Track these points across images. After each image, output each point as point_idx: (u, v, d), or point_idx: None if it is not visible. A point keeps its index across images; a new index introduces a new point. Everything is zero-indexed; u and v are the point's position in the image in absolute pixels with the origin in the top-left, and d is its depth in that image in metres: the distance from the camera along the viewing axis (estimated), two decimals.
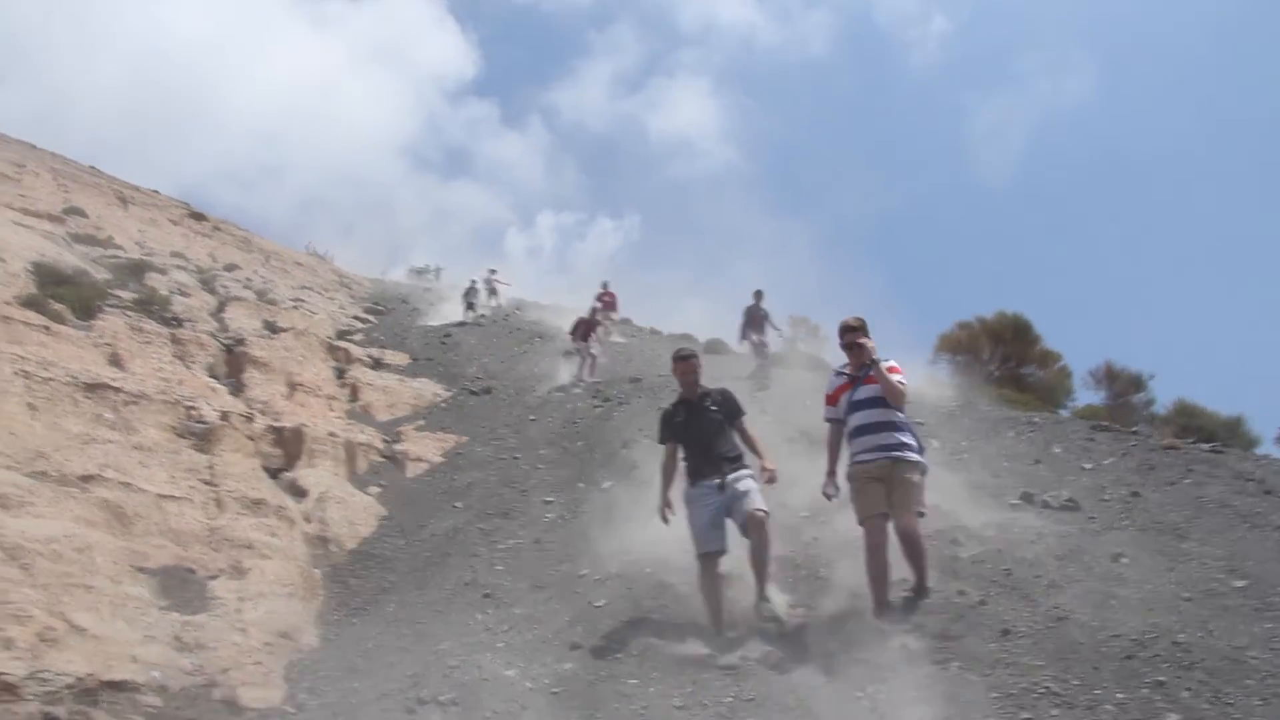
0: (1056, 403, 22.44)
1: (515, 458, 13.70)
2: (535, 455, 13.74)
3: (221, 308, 18.68)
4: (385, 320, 26.11)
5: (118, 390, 10.40)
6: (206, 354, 14.53)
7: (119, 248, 21.18)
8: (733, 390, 7.52)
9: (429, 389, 17.86)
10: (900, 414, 6.67)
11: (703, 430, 7.06)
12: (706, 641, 6.57)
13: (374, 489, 12.21)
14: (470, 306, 27.57)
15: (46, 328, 11.57)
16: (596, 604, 7.75)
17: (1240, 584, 6.85)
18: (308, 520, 10.35)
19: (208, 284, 20.82)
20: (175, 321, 15.46)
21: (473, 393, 17.76)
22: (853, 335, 6.76)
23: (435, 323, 27.13)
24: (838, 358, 7.52)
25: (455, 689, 6.49)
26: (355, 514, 10.95)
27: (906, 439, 6.61)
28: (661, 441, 7.36)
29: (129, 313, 14.28)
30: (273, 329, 18.04)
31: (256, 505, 9.70)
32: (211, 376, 13.86)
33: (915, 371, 21.72)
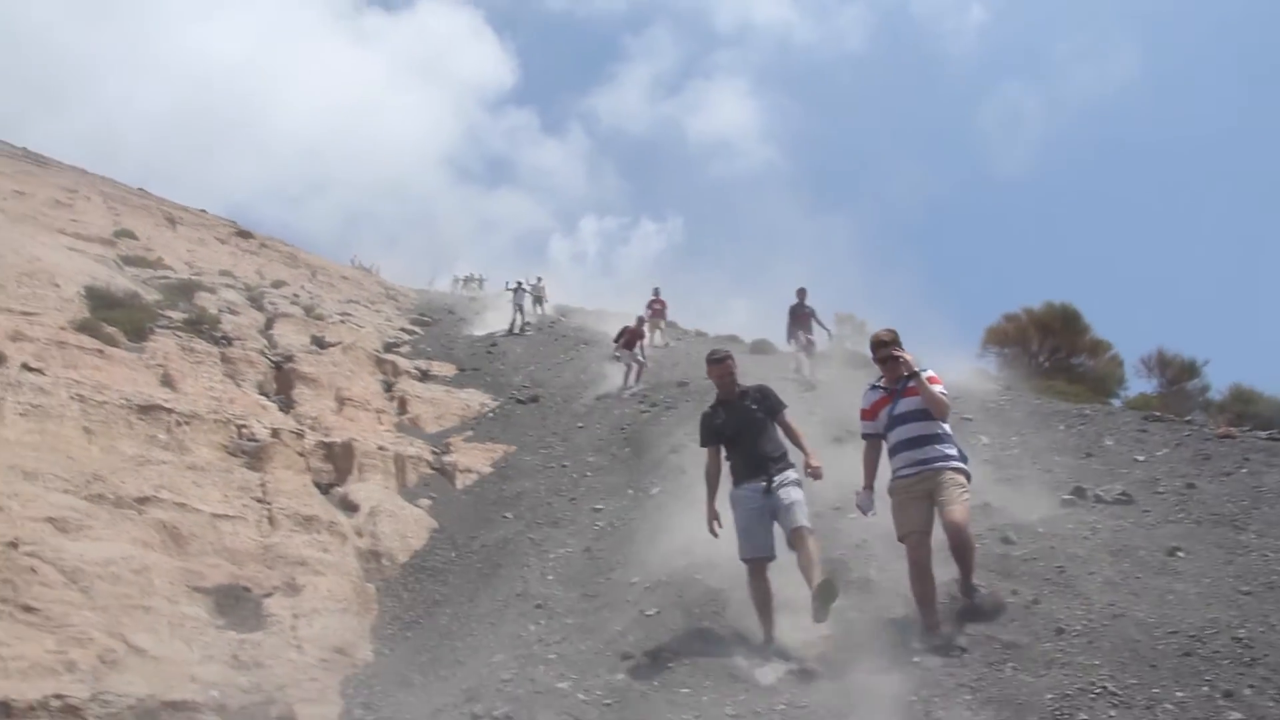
0: (1109, 392, 22.06)
1: (564, 466, 13.72)
2: (583, 463, 13.76)
3: (270, 324, 18.93)
4: (432, 331, 26.29)
5: (170, 411, 10.57)
6: (256, 371, 14.72)
7: (169, 268, 21.54)
8: (773, 387, 7.31)
9: (476, 399, 17.96)
10: (943, 426, 6.43)
11: (744, 430, 6.90)
12: (759, 648, 6.51)
13: (424, 501, 12.28)
14: (518, 308, 27.57)
15: (100, 351, 11.78)
16: (648, 613, 7.71)
17: None
18: (359, 535, 10.43)
19: (256, 301, 21.10)
20: (225, 340, 15.67)
21: (520, 401, 17.83)
22: (886, 349, 6.57)
23: (480, 332, 27.26)
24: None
25: (509, 703, 6.49)
26: (406, 527, 11.02)
27: (950, 450, 6.36)
28: (704, 445, 7.19)
29: (179, 333, 14.51)
30: (321, 344, 18.25)
31: (309, 521, 9.80)
32: (261, 394, 14.05)
33: (962, 366, 21.58)
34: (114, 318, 13.73)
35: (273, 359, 15.87)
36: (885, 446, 6.57)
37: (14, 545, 7.17)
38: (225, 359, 14.55)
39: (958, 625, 6.18)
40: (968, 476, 6.35)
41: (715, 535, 6.85)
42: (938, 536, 6.23)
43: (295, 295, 24.18)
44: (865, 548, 8.14)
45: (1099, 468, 9.97)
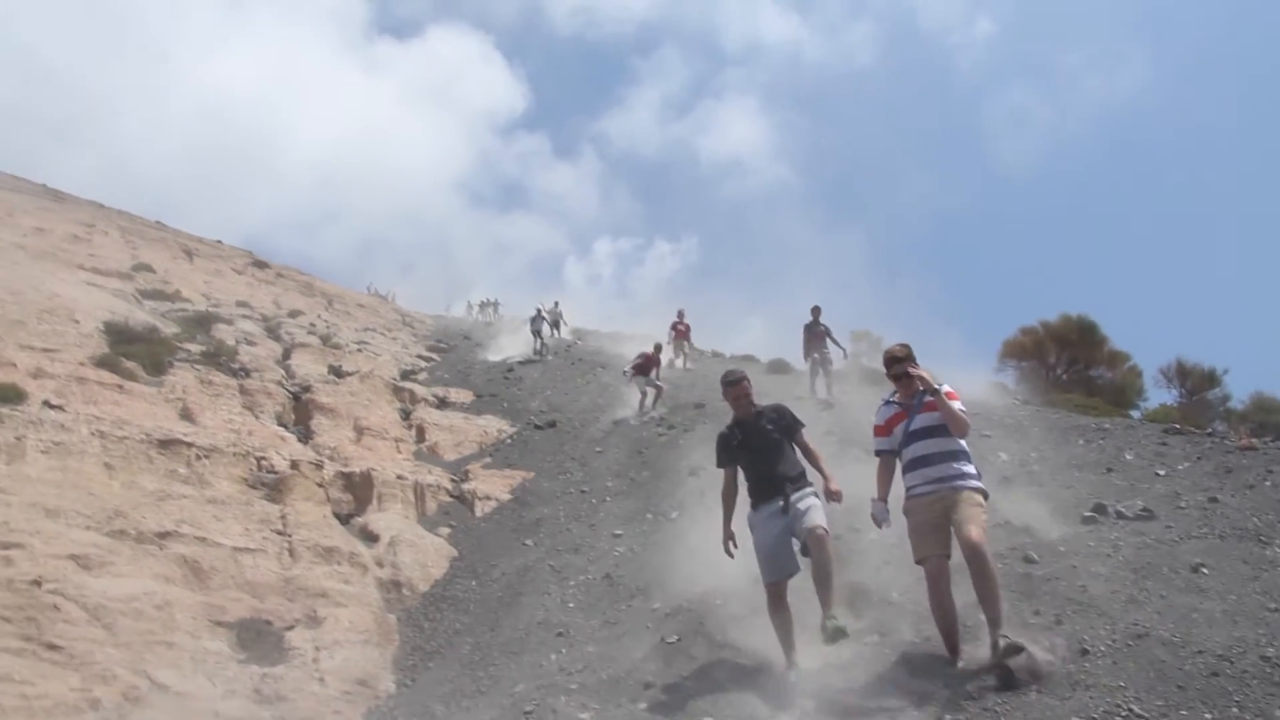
0: (1128, 404, 21.97)
1: (583, 491, 13.72)
2: (602, 488, 13.76)
3: (287, 355, 19.01)
4: (448, 357, 26.36)
5: (190, 445, 10.61)
6: (274, 403, 14.78)
7: (186, 300, 21.68)
8: (790, 406, 7.22)
9: (494, 425, 17.98)
10: (960, 443, 6.27)
11: (761, 451, 6.82)
12: (781, 675, 6.46)
13: (444, 530, 12.29)
14: (537, 334, 27.53)
15: (120, 386, 11.86)
16: (669, 640, 7.69)
17: None
18: (380, 565, 10.44)
19: (273, 331, 21.21)
20: (243, 372, 15.75)
21: (537, 427, 17.84)
22: (900, 365, 6.45)
23: (496, 357, 27.29)
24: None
25: None
26: (427, 556, 11.03)
27: (967, 468, 6.21)
28: (720, 466, 7.15)
29: (198, 366, 14.59)
30: (338, 373, 18.32)
31: (329, 553, 9.81)
32: (280, 425, 14.10)
33: (979, 380, 21.50)
34: (133, 352, 13.82)
35: (290, 389, 15.93)
36: (899, 463, 6.45)
37: (37, 583, 7.21)
38: (243, 391, 14.61)
39: (984, 664, 6.04)
40: (985, 496, 6.20)
41: (731, 555, 6.80)
42: (957, 558, 6.05)
43: (312, 324, 24.30)
44: (886, 569, 8.11)
45: (1120, 483, 9.90)
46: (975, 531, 5.86)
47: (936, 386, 6.22)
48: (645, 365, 19.05)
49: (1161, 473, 9.97)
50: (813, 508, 6.51)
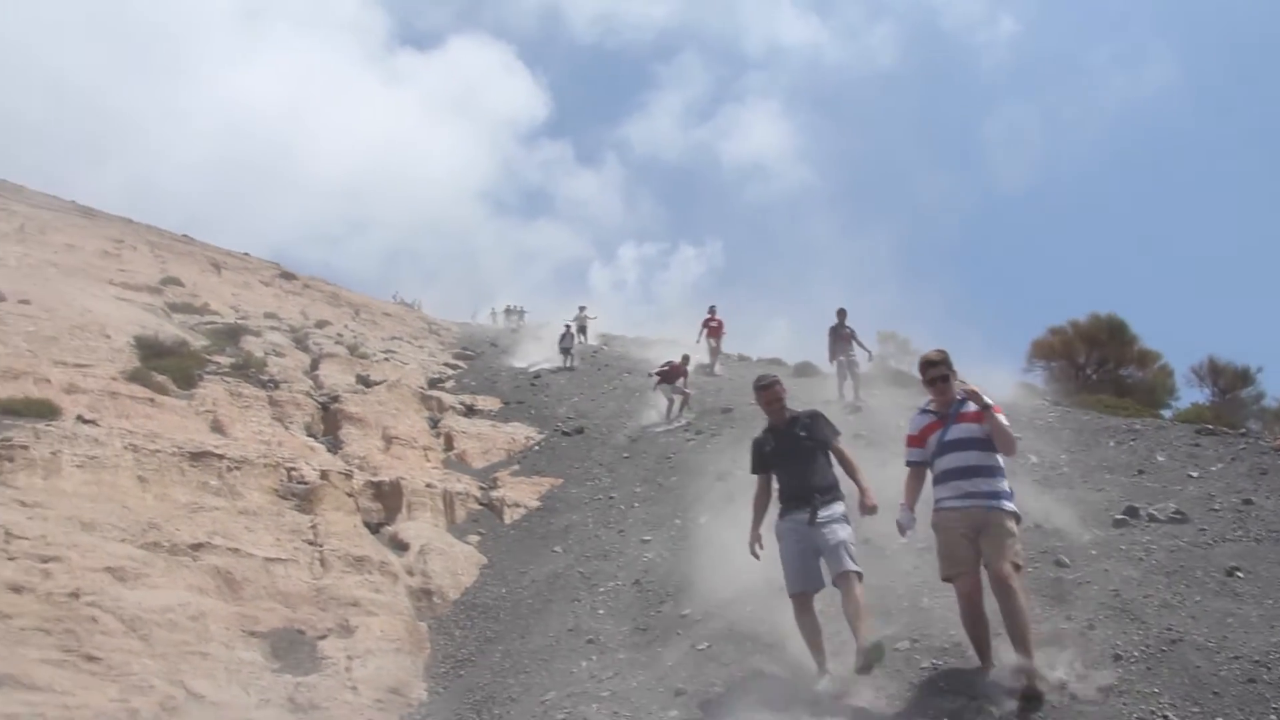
0: (1159, 403, 21.77)
1: (611, 497, 13.75)
2: (630, 493, 13.79)
3: (315, 365, 19.15)
4: (475, 365, 26.45)
5: (221, 457, 10.72)
6: (303, 413, 14.91)
7: (215, 313, 21.89)
8: (825, 413, 7.10)
9: (521, 432, 18.05)
10: (997, 458, 6.00)
11: (793, 458, 6.68)
12: (811, 681, 6.43)
13: (473, 537, 12.36)
14: (566, 352, 27.28)
15: (151, 400, 12.00)
16: (700, 646, 7.70)
17: None
18: (410, 573, 10.51)
19: (300, 342, 21.38)
20: (272, 383, 15.89)
21: (565, 433, 17.90)
22: (936, 370, 6.18)
23: (520, 363, 27.34)
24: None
25: None
26: (457, 564, 11.08)
27: (1001, 486, 5.92)
28: (753, 472, 7.03)
29: (227, 378, 14.73)
30: (366, 383, 18.44)
31: (360, 562, 9.88)
32: (309, 435, 14.22)
33: (1008, 381, 21.35)
34: (163, 366, 13.98)
35: (319, 400, 16.06)
36: (930, 474, 6.20)
37: (75, 595, 7.30)
38: (273, 402, 14.74)
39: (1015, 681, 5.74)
40: (1018, 519, 5.93)
41: (756, 557, 6.73)
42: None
43: (339, 334, 24.47)
44: (916, 573, 8.08)
45: (1151, 485, 9.82)
46: (1006, 567, 5.63)
47: (989, 402, 5.99)
48: (671, 374, 19.05)
49: (1194, 474, 9.89)
50: (842, 543, 6.33)
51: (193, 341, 17.12)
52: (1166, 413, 19.71)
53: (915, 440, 6.30)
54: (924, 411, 6.33)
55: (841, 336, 17.83)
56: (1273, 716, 5.00)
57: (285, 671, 7.82)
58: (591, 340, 32.54)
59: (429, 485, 13.10)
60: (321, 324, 25.66)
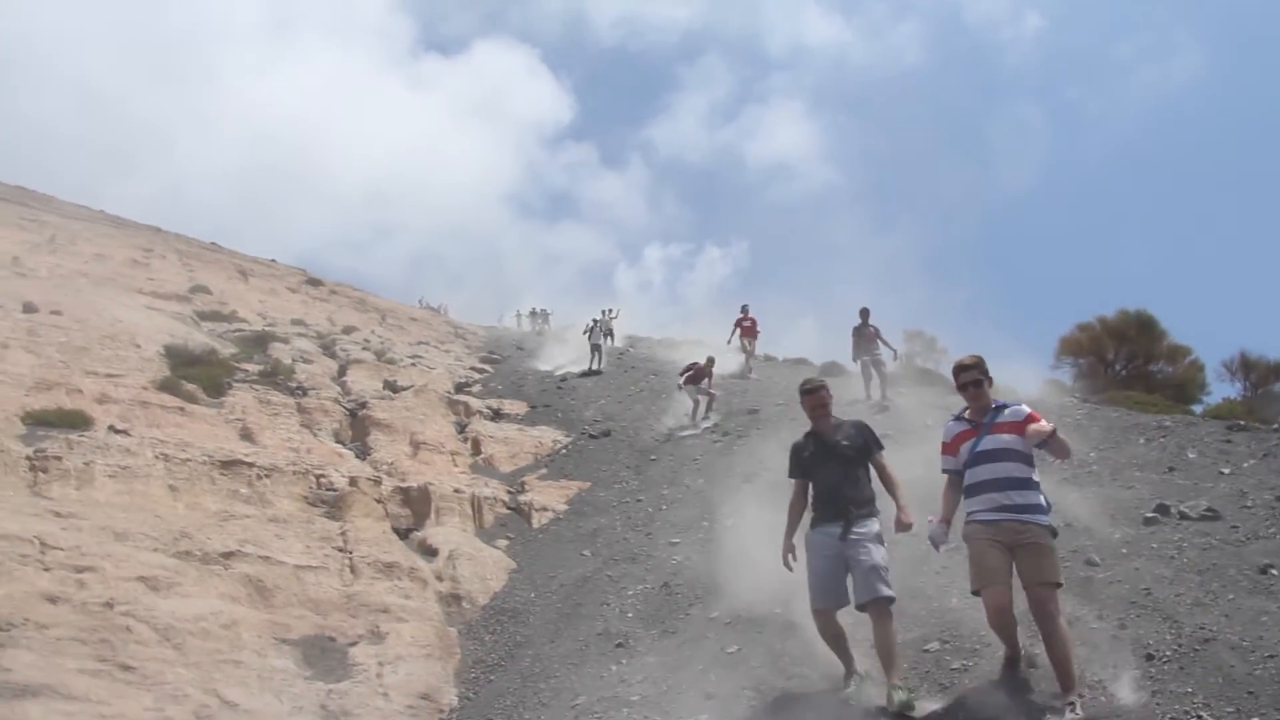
0: (1190, 399, 21.59)
1: (638, 500, 13.76)
2: (658, 496, 13.79)
3: (343, 371, 19.28)
4: (501, 369, 26.52)
5: (251, 465, 10.81)
6: (331, 420, 15.01)
7: (243, 320, 22.08)
8: (868, 423, 6.85)
9: (549, 436, 18.08)
10: (1033, 471, 5.77)
11: (831, 467, 6.46)
12: (840, 686, 6.40)
13: (502, 542, 12.39)
14: (596, 348, 26.91)
15: (181, 409, 12.12)
16: (729, 650, 7.71)
17: None
18: (440, 579, 10.55)
19: (328, 349, 21.52)
20: (300, 391, 16.01)
21: (592, 436, 17.92)
22: (968, 375, 6.01)
23: (545, 366, 27.37)
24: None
25: None
26: (485, 569, 11.12)
27: (1038, 499, 5.70)
28: (790, 477, 6.83)
29: (256, 386, 14.86)
30: (393, 388, 18.54)
31: (389, 568, 9.93)
32: (338, 442, 14.31)
33: (1036, 377, 21.21)
34: (193, 375, 14.11)
35: (347, 406, 16.17)
36: (963, 485, 5.99)
37: (110, 605, 7.38)
38: (301, 409, 14.86)
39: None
40: (1054, 534, 5.74)
41: (789, 569, 6.56)
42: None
43: (366, 340, 24.62)
44: (945, 573, 8.06)
45: (1182, 482, 9.74)
46: (1045, 591, 5.45)
47: (1052, 429, 5.65)
48: (696, 375, 19.04)
49: (1226, 471, 9.79)
50: (875, 566, 6.10)
51: (221, 349, 17.27)
52: (1197, 408, 19.55)
53: (949, 448, 6.13)
54: (958, 419, 6.15)
55: (865, 336, 17.76)
56: None
57: (317, 679, 7.87)
58: (617, 342, 32.45)
59: (457, 490, 13.15)
60: (348, 330, 25.83)
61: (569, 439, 17.98)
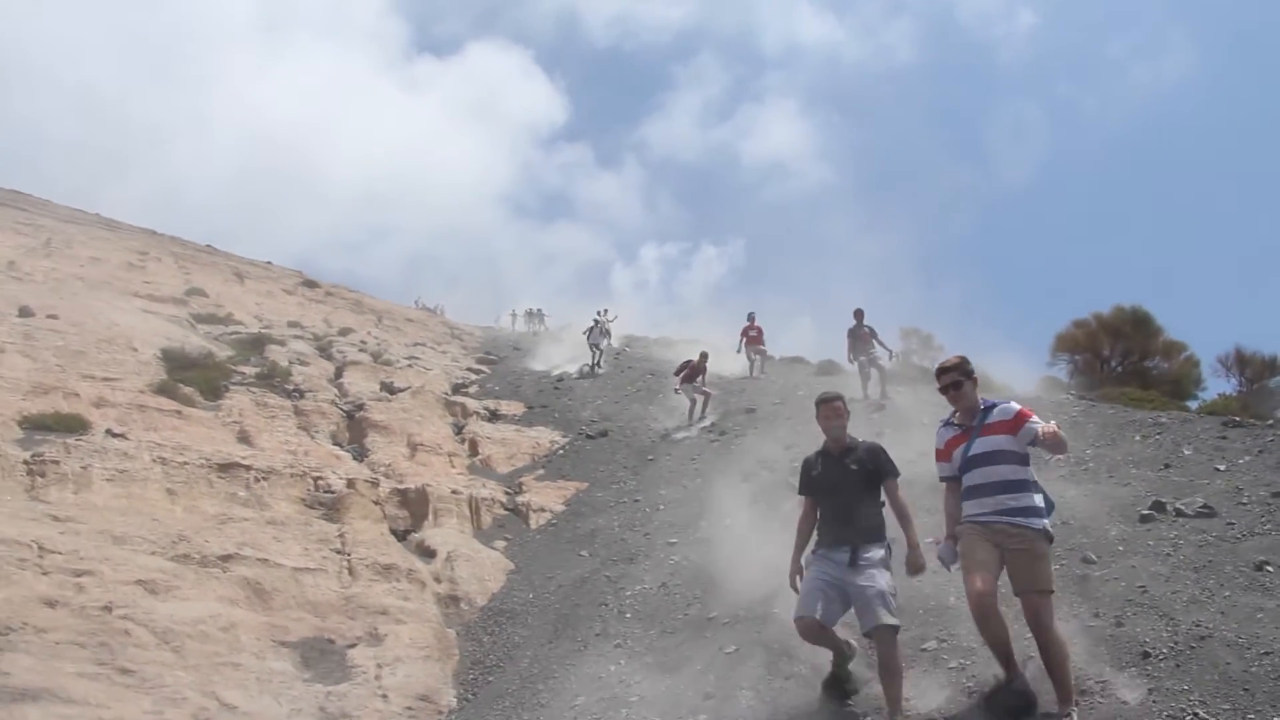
0: (1186, 395, 21.66)
1: (636, 500, 13.77)
2: (655, 496, 13.80)
3: (339, 373, 19.28)
4: (498, 369, 26.52)
5: (248, 468, 10.82)
6: (329, 422, 15.00)
7: (239, 323, 22.07)
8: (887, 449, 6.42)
9: (546, 436, 18.08)
10: (1027, 471, 5.57)
11: (840, 491, 6.13)
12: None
13: (500, 543, 12.40)
14: (595, 347, 26.83)
15: (178, 412, 12.12)
16: (727, 650, 7.71)
17: None
18: (438, 580, 10.55)
19: (324, 350, 21.51)
20: (297, 393, 16.01)
21: (589, 437, 17.92)
22: (947, 377, 5.82)
23: (541, 366, 27.35)
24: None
25: None
26: (484, 570, 11.12)
27: (1034, 501, 5.49)
28: (800, 494, 6.53)
29: (253, 389, 14.86)
30: (390, 390, 18.54)
31: (387, 570, 9.93)
32: (335, 444, 14.31)
33: (1032, 374, 21.23)
34: (190, 378, 14.10)
35: (344, 408, 16.17)
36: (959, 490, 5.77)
37: (108, 609, 7.38)
38: (298, 411, 14.85)
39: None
40: (1050, 538, 5.51)
41: (797, 590, 6.18)
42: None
43: (363, 342, 24.61)
44: (943, 572, 8.04)
45: (1178, 479, 9.76)
46: (1038, 599, 5.27)
47: (1055, 430, 5.38)
48: (691, 374, 19.05)
49: (1222, 468, 9.81)
50: (881, 594, 5.80)
51: (218, 352, 17.26)
52: (1193, 404, 19.61)
53: (942, 454, 5.89)
54: (947, 424, 5.93)
55: (860, 337, 17.83)
56: None
57: (316, 681, 7.87)
58: (614, 342, 32.36)
59: (454, 491, 13.16)
60: (345, 331, 25.82)
61: (566, 439, 17.98)
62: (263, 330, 21.80)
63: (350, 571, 9.73)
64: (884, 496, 6.17)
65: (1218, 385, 22.42)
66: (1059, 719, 5.18)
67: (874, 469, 6.15)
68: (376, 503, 11.68)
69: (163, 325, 18.01)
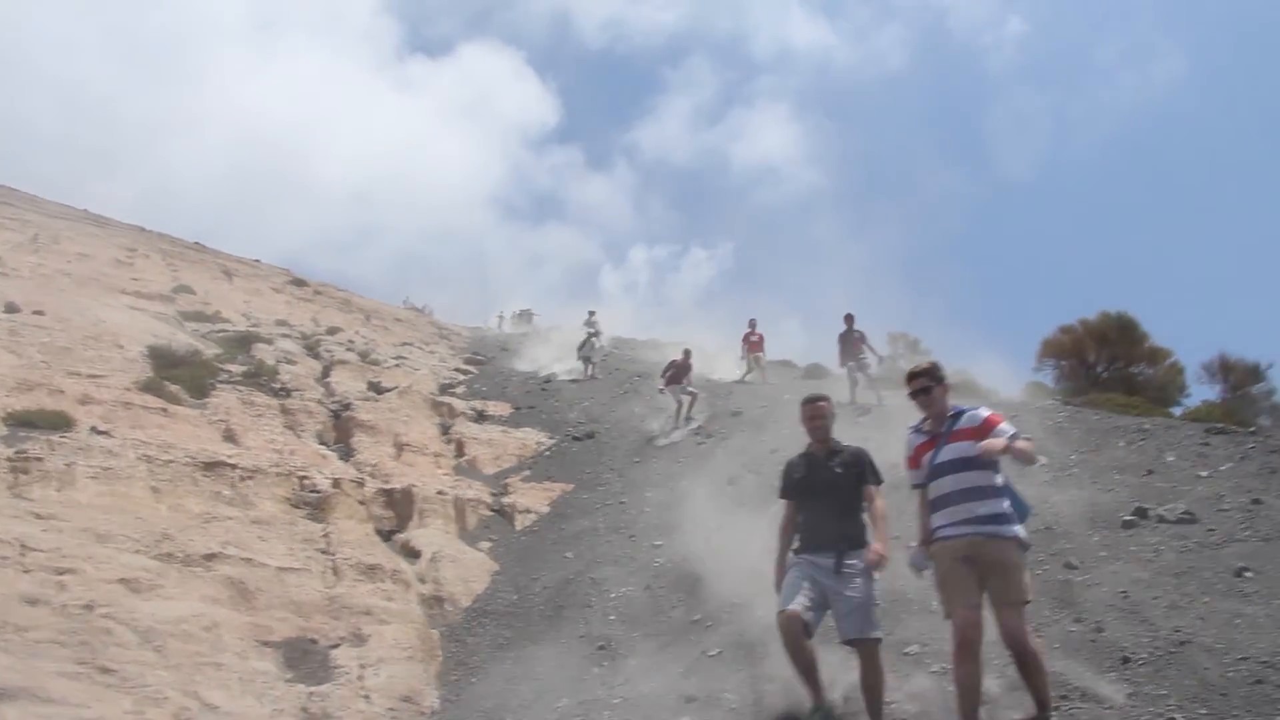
0: (1170, 401, 21.76)
1: (621, 502, 13.77)
2: (641, 498, 13.81)
3: (327, 372, 19.19)
4: (485, 370, 26.44)
5: (234, 467, 10.78)
6: (315, 421, 14.96)
7: (226, 321, 21.96)
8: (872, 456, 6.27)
9: (532, 438, 18.05)
10: (997, 477, 5.36)
11: (821, 495, 6.01)
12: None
13: (485, 544, 12.39)
14: (587, 360, 26.34)
15: (164, 410, 12.07)
16: (710, 653, 7.74)
17: None
18: (422, 581, 10.55)
19: (312, 349, 21.41)
20: (284, 392, 15.94)
21: (576, 439, 17.90)
22: (916, 383, 5.65)
23: (527, 366, 27.29)
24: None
25: None
26: (468, 571, 11.12)
27: (1002, 508, 5.29)
28: (781, 497, 6.39)
29: (240, 387, 14.81)
30: (377, 389, 18.47)
31: (372, 570, 9.92)
32: (321, 443, 14.27)
33: (1018, 380, 21.27)
34: (176, 376, 14.04)
35: (331, 407, 16.12)
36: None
37: (90, 607, 7.35)
38: (285, 410, 14.80)
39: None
40: (1024, 546, 5.31)
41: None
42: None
43: (350, 341, 24.50)
44: (927, 577, 8.07)
45: (1161, 485, 9.82)
46: (1013, 616, 5.05)
47: (1004, 445, 5.21)
48: (676, 374, 19.06)
49: (1204, 474, 9.88)
50: (863, 604, 5.70)
51: (205, 350, 17.19)
52: (1178, 410, 19.70)
53: (911, 462, 5.74)
54: (916, 431, 5.75)
55: (851, 342, 17.95)
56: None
57: (298, 681, 7.86)
58: (603, 343, 32.23)
59: (440, 492, 13.14)
60: (333, 330, 25.70)
61: (553, 441, 17.96)
62: (250, 328, 21.69)
63: (335, 571, 9.72)
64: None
65: (1202, 392, 22.56)
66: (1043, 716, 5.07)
67: (858, 473, 6.02)
68: (362, 503, 11.66)
69: (150, 322, 17.92)
